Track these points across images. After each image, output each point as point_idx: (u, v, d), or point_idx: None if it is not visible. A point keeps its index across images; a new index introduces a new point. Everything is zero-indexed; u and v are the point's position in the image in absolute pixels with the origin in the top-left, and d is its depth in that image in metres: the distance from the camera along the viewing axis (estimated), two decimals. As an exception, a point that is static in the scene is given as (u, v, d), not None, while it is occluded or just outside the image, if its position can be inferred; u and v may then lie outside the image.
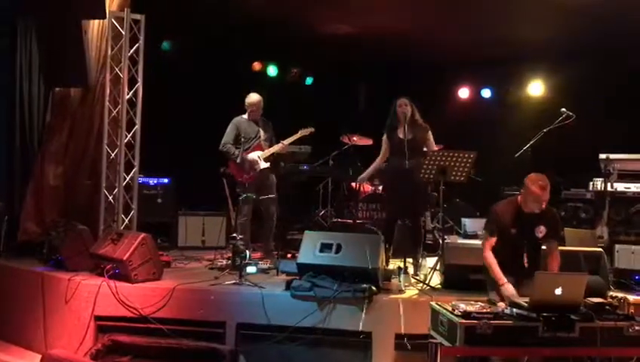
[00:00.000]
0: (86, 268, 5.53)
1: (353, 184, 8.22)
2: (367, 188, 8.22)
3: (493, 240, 4.46)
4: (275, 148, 6.49)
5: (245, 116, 6.59)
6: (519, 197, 4.51)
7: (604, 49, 8.04)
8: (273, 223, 6.64)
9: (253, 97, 6.57)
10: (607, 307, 3.91)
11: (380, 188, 7.79)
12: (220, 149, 6.50)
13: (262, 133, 6.55)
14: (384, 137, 6.12)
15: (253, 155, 6.42)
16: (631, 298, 4.76)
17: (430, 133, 6.05)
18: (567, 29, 7.83)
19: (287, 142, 6.53)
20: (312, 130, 6.58)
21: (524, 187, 4.42)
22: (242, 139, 6.45)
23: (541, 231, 4.50)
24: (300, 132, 6.55)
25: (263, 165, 6.42)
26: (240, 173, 6.41)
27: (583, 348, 3.77)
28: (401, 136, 5.83)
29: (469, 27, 8.16)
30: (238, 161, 6.35)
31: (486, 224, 4.61)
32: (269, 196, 6.48)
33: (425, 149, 6.02)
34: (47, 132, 6.61)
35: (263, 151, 6.47)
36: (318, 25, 8.31)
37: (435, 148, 6.09)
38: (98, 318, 5.08)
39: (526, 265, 4.48)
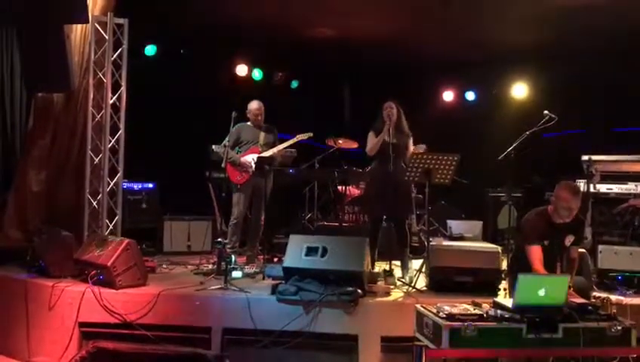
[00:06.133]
0: (70, 274, 5.47)
1: (340, 187, 8.24)
2: (354, 191, 8.23)
3: (540, 249, 4.44)
4: (271, 151, 6.48)
5: (249, 122, 6.60)
6: (549, 208, 4.51)
7: (587, 51, 8.12)
8: (261, 228, 6.62)
9: (252, 103, 6.60)
10: (590, 307, 3.94)
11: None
12: (216, 151, 6.63)
13: (262, 138, 6.55)
14: (371, 134, 6.07)
15: (247, 158, 6.43)
16: (614, 298, 4.81)
17: (411, 140, 6.06)
18: (551, 31, 7.90)
19: (283, 146, 6.52)
20: (311, 134, 6.59)
21: (554, 194, 4.41)
22: (240, 143, 6.50)
23: (569, 239, 4.54)
24: (297, 136, 6.55)
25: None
26: (234, 175, 6.44)
27: (567, 349, 3.80)
28: (386, 139, 5.83)
29: (453, 30, 8.20)
30: (234, 162, 6.38)
31: (525, 238, 4.57)
32: (262, 199, 6.48)
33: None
34: (29, 137, 6.53)
35: (258, 154, 6.47)
36: (303, 29, 8.32)
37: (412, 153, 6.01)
38: (82, 325, 5.03)
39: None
